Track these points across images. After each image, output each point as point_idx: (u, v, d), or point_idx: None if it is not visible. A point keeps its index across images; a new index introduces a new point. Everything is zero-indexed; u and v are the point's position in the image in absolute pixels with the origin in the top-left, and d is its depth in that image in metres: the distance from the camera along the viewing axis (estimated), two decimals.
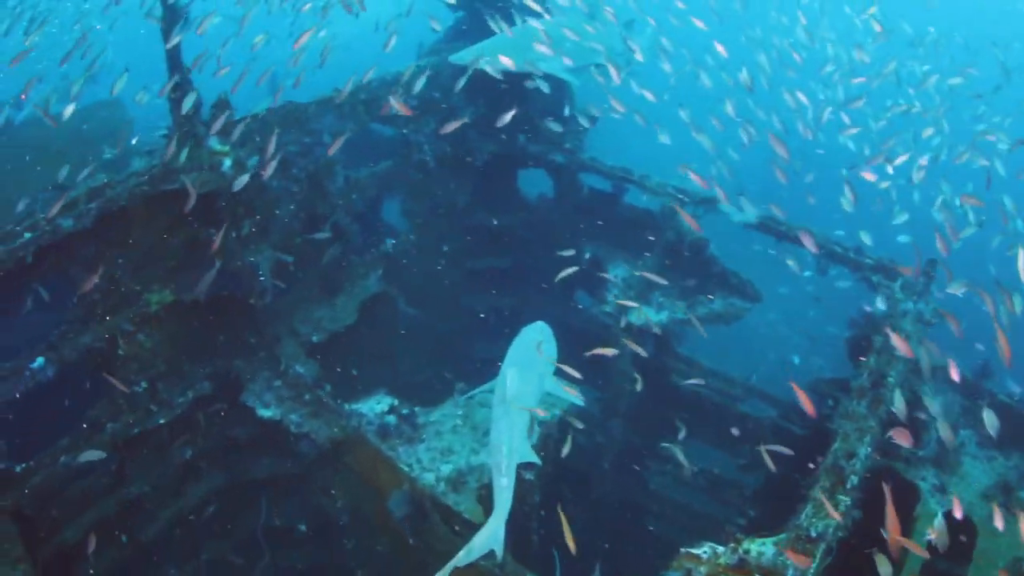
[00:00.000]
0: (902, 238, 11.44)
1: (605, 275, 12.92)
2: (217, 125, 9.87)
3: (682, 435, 10.66)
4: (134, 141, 11.77)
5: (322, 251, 12.27)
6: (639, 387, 11.27)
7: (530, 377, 8.97)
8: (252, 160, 10.19)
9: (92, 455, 9.57)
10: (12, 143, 8.92)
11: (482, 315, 15.42)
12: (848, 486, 7.86)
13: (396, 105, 10.71)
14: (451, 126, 11.17)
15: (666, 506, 13.85)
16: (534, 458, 8.66)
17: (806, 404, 8.43)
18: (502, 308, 15.44)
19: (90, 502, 10.54)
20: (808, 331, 22.92)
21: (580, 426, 10.23)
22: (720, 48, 14.16)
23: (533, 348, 9.57)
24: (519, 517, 9.30)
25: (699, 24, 14.82)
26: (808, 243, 11.08)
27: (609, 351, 9.84)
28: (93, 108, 14.38)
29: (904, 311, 10.24)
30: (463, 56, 11.60)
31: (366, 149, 14.77)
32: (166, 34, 9.50)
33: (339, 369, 12.13)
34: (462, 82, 11.54)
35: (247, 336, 11.41)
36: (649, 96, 12.18)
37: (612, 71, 11.77)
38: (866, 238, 11.33)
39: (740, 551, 7.23)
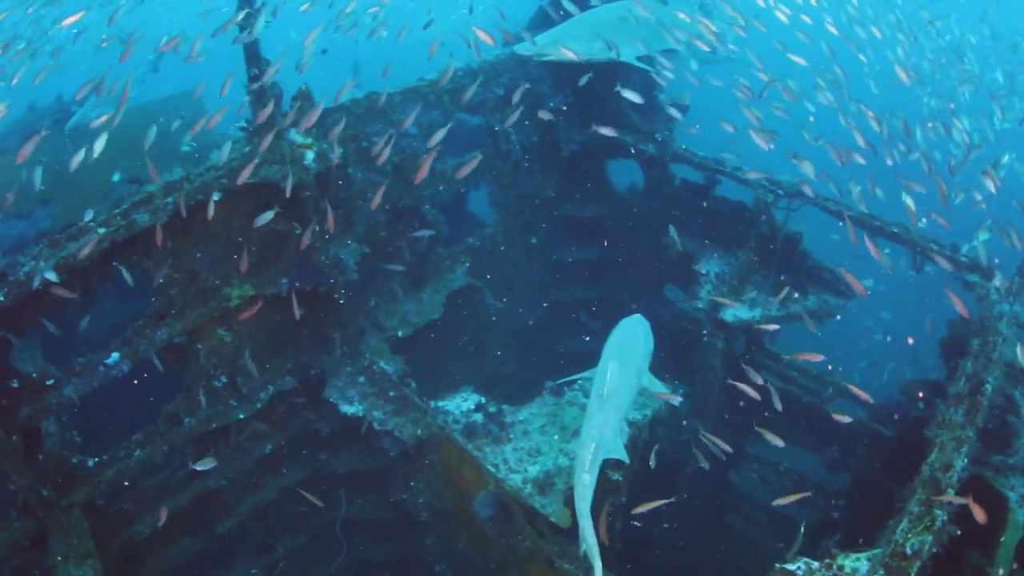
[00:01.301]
0: (983, 235, 10.89)
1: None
2: (296, 117, 9.69)
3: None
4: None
5: (410, 244, 12.10)
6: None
7: (628, 371, 8.65)
8: (339, 151, 9.99)
9: (206, 464, 9.55)
10: (89, 135, 8.89)
11: (572, 315, 15.15)
12: (945, 500, 7.50)
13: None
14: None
15: (750, 505, 13.56)
16: (623, 455, 8.36)
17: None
18: (590, 301, 15.15)
19: (165, 496, 10.54)
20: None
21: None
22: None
23: (631, 341, 9.21)
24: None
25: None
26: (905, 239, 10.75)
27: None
28: (170, 100, 14.31)
29: (1000, 313, 9.77)
30: (525, 47, 11.04)
31: (453, 139, 14.61)
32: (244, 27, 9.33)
33: (425, 364, 11.99)
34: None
35: (331, 331, 11.23)
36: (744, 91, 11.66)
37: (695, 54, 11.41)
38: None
39: (835, 567, 6.97)
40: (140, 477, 10.28)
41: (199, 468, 9.61)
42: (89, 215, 8.58)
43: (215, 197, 8.97)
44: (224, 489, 11.17)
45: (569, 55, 10.68)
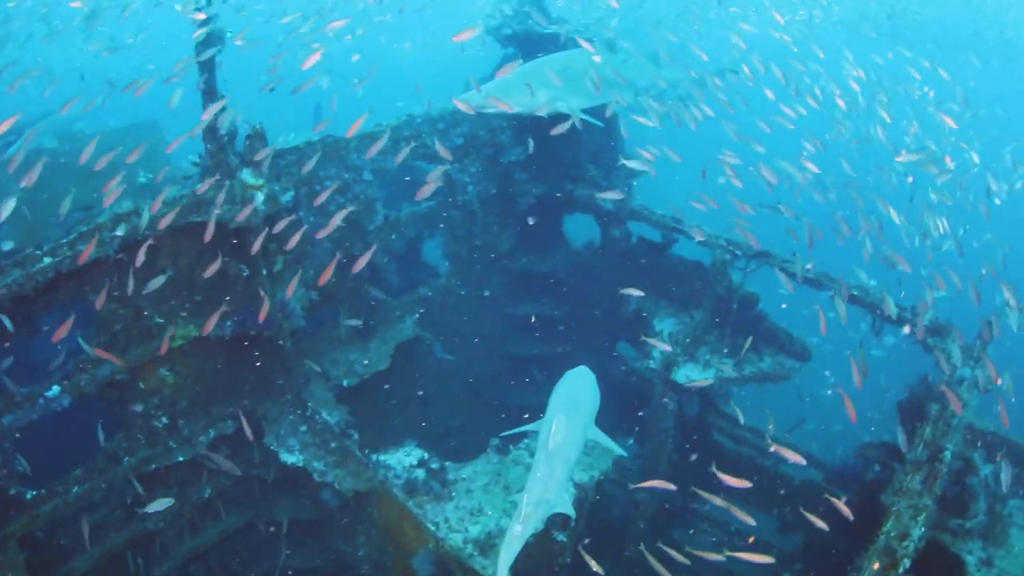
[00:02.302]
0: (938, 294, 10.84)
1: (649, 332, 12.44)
2: (252, 156, 9.50)
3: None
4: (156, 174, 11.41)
5: (358, 292, 11.86)
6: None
7: (574, 424, 8.44)
8: (287, 195, 9.79)
9: (160, 504, 9.33)
10: (47, 162, 8.77)
11: (524, 369, 14.92)
12: (900, 570, 7.35)
13: (440, 150, 10.21)
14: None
15: (702, 567, 13.33)
16: (569, 510, 8.20)
17: None
18: (542, 356, 14.92)
19: (102, 535, 10.29)
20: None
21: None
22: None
23: (577, 394, 9.05)
24: None
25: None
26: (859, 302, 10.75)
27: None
28: (130, 129, 14.08)
29: (961, 378, 9.65)
30: (468, 98, 10.67)
31: (410, 187, 14.46)
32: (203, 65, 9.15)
33: (371, 415, 11.74)
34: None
35: (275, 377, 10.96)
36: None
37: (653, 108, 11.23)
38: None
39: None
40: (78, 513, 9.96)
41: (151, 510, 9.36)
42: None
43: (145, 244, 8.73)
44: (162, 531, 10.85)
45: (504, 108, 10.49)
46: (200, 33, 9.01)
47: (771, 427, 10.66)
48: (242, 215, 9.20)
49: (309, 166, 10.07)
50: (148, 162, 12.25)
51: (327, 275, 8.86)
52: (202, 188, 9.18)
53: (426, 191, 9.77)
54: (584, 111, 11.05)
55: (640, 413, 12.49)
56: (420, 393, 13.55)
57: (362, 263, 9.39)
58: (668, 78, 12.80)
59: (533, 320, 14.29)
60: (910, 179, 13.17)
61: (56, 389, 9.13)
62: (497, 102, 10.46)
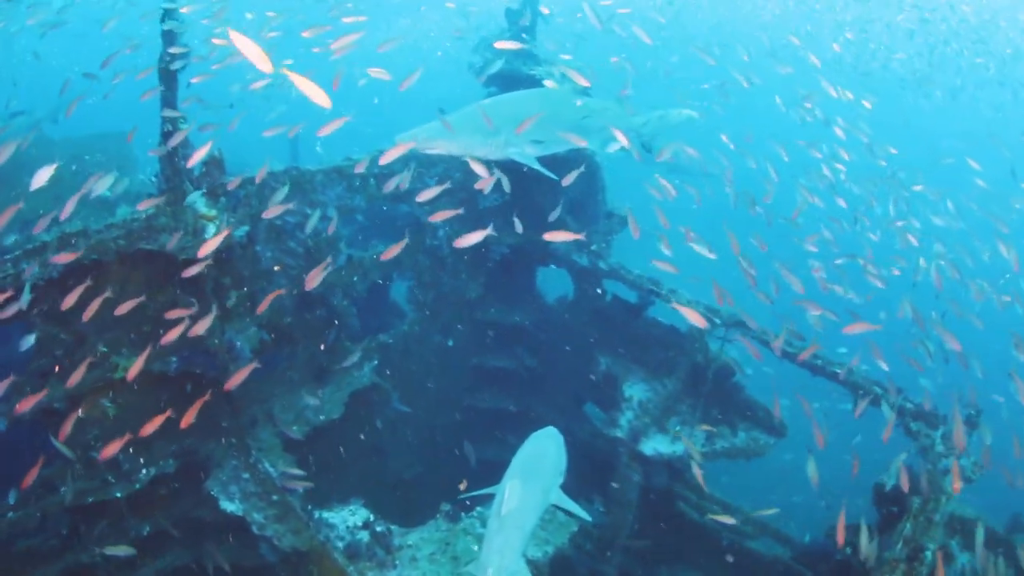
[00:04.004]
0: (923, 382, 10.47)
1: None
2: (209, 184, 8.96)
3: None
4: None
5: (314, 333, 11.28)
6: None
7: (533, 487, 7.89)
8: (241, 229, 9.21)
9: (119, 551, 9.07)
10: (12, 164, 8.42)
11: (485, 423, 14.30)
12: None
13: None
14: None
15: None
16: None
17: None
18: (504, 411, 14.33)
19: (35, 563, 9.76)
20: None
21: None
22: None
23: (541, 456, 8.50)
24: None
25: None
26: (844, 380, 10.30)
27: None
28: (98, 138, 13.62)
29: (945, 468, 9.12)
30: (407, 137, 9.56)
31: (379, 227, 13.89)
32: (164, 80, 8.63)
33: (320, 464, 11.16)
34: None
35: (220, 418, 10.34)
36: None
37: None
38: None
39: None
40: (10, 540, 9.54)
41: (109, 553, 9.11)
42: None
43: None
44: (98, 565, 10.13)
45: (444, 150, 9.73)
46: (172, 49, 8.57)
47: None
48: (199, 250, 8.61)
49: (277, 197, 9.47)
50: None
51: (264, 305, 8.42)
52: (143, 205, 8.71)
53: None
54: (545, 158, 10.36)
55: (604, 479, 11.92)
56: (368, 442, 12.95)
57: (313, 281, 8.70)
58: (634, 123, 12.10)
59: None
60: None
61: None
62: (435, 144, 9.60)
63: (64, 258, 8.24)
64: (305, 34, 10.13)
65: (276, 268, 10.53)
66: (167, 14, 8.73)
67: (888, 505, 9.03)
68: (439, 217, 9.65)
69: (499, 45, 11.53)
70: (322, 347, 11.71)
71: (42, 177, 7.50)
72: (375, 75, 9.77)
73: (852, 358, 10.33)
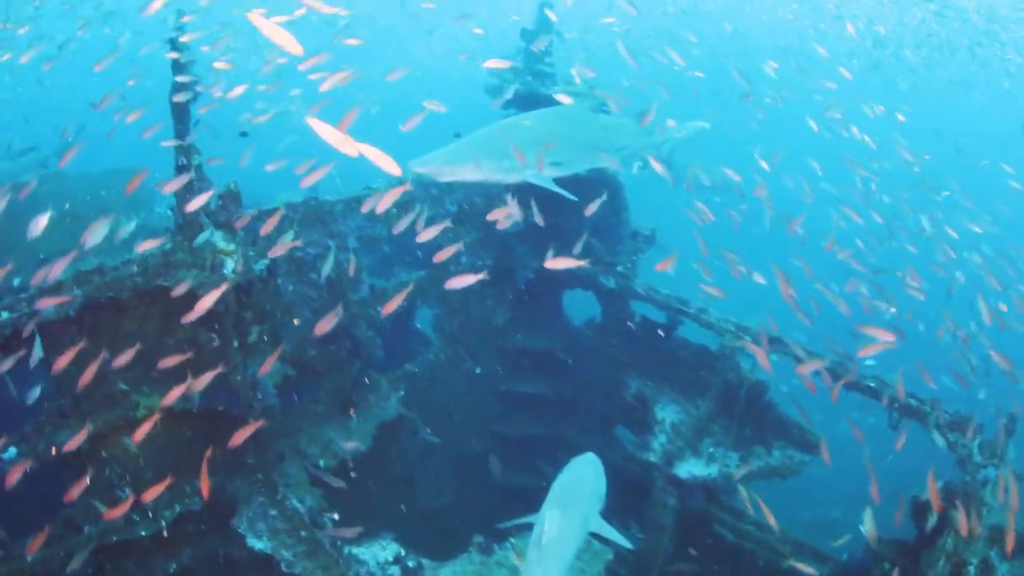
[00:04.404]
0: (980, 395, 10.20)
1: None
2: (225, 218, 8.83)
3: None
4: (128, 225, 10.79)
5: (338, 366, 11.13)
6: None
7: (573, 516, 7.77)
8: (262, 263, 9.07)
9: None
10: (29, 199, 8.44)
11: (516, 449, 14.10)
12: None
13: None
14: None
15: None
16: None
17: None
18: (535, 437, 14.14)
19: None
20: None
21: None
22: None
23: (580, 483, 8.40)
24: None
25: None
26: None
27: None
28: (115, 173, 13.60)
29: (984, 479, 8.88)
30: (418, 163, 9.63)
31: (400, 255, 13.76)
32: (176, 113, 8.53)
33: (349, 497, 10.97)
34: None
35: (245, 454, 10.18)
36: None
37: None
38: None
39: None
40: None
41: None
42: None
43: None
44: None
45: (458, 177, 9.57)
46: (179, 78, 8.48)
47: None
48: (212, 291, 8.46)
49: (286, 237, 9.34)
50: (131, 209, 11.75)
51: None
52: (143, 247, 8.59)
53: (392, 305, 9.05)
54: (566, 179, 10.21)
55: (638, 503, 11.72)
56: (397, 473, 12.79)
57: (325, 326, 8.55)
58: (653, 142, 11.92)
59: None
60: None
61: (13, 451, 8.58)
62: (451, 170, 9.60)
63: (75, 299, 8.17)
64: (301, 68, 10.02)
65: (295, 322, 10.40)
66: (174, 44, 8.65)
67: (926, 519, 8.77)
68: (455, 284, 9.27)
69: (489, 64, 11.37)
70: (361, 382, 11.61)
71: (38, 226, 7.39)
72: (432, 108, 9.59)
73: (895, 376, 10.08)
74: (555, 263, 9.04)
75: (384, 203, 8.79)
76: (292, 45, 4.82)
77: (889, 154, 14.90)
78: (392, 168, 5.22)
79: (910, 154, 14.37)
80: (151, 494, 8.19)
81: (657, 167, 10.21)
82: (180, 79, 8.61)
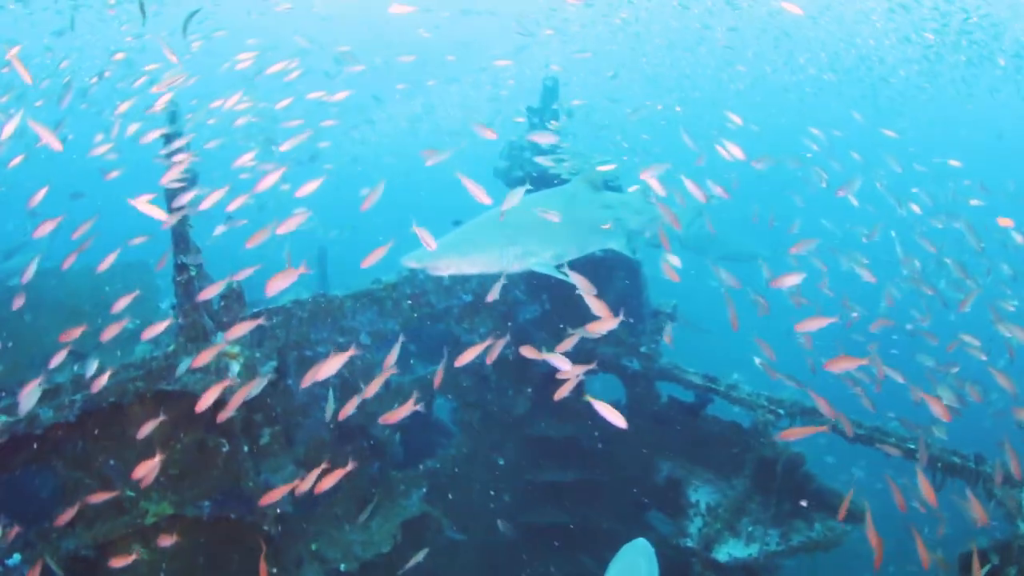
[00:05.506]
0: None
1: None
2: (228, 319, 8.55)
3: None
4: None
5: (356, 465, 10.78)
6: None
7: None
8: (268, 365, 8.75)
9: None
10: (30, 295, 8.26)
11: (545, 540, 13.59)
12: None
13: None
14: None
15: None
16: None
17: None
18: (564, 526, 13.66)
19: None
20: None
21: None
22: None
23: (632, 571, 8.20)
24: None
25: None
26: (923, 456, 9.51)
27: None
28: (120, 268, 13.38)
29: None
30: (415, 256, 9.17)
31: (417, 345, 13.45)
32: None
33: None
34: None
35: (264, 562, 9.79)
36: None
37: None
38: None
39: None
40: None
41: None
42: None
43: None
44: None
45: (455, 270, 9.22)
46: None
47: None
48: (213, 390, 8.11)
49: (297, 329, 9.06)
50: (137, 307, 11.50)
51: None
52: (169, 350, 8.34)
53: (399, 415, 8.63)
54: (581, 261, 9.85)
55: None
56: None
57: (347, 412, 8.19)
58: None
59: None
60: None
61: (17, 557, 8.34)
62: (447, 264, 9.21)
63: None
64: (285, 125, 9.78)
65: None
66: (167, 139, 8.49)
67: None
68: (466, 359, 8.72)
69: (535, 138, 10.98)
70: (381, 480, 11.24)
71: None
72: (480, 133, 9.18)
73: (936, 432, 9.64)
74: (529, 352, 8.46)
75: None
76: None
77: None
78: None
79: None
80: None
81: (676, 262, 9.68)
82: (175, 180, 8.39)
